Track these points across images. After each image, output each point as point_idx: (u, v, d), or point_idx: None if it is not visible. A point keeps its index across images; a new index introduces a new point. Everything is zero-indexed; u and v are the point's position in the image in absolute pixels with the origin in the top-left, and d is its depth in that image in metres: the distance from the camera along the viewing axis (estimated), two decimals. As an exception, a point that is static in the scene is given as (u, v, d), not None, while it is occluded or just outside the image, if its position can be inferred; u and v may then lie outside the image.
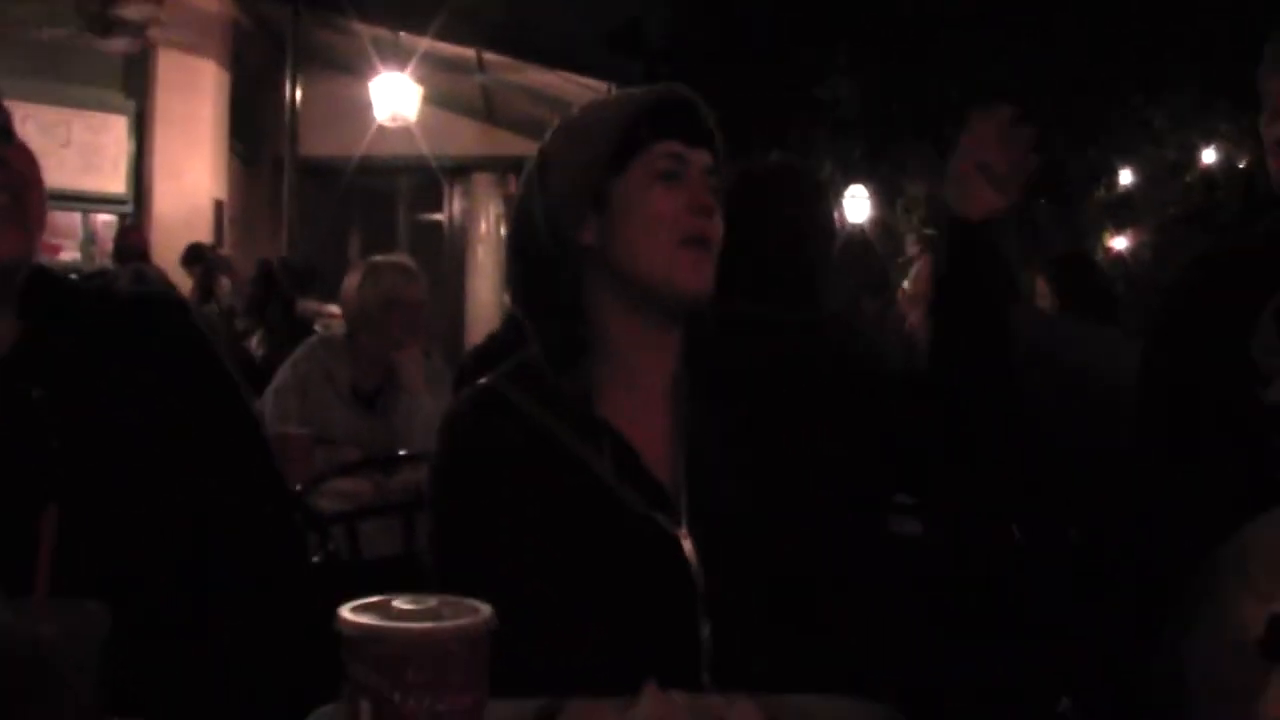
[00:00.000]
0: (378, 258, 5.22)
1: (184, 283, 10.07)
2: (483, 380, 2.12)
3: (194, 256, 10.72)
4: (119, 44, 12.38)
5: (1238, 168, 21.28)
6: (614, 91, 2.17)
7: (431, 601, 1.21)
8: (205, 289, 10.20)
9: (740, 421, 2.04)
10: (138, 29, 12.14)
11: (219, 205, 13.10)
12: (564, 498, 1.97)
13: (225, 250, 12.13)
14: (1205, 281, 2.23)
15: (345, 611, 1.18)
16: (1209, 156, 21.79)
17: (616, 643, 1.85)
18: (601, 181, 2.02)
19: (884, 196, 21.65)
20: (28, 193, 1.92)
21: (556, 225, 2.03)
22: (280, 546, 2.14)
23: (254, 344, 8.76)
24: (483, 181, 17.43)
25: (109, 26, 11.99)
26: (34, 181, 1.95)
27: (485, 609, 1.21)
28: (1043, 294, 5.92)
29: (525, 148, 16.68)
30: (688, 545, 1.93)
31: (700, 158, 2.04)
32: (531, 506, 1.96)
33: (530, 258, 2.08)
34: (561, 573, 1.92)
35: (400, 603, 1.20)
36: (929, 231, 17.70)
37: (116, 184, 12.84)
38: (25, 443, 1.88)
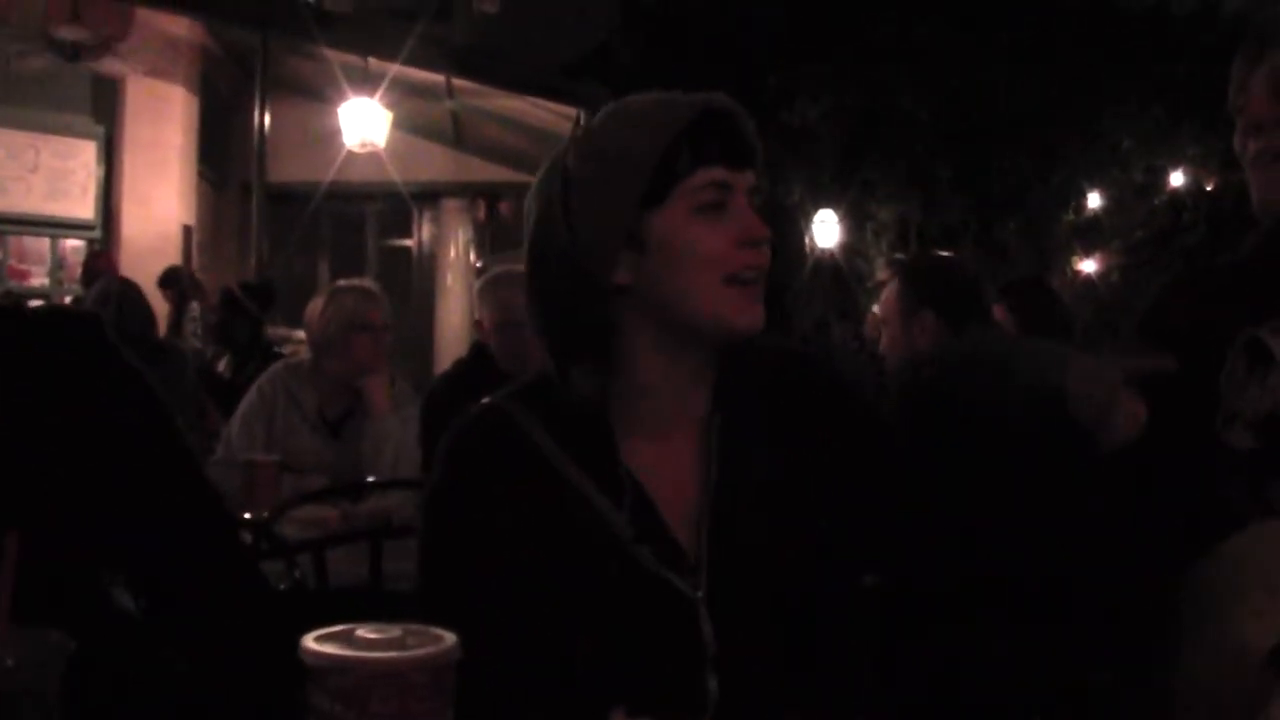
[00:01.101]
0: (340, 282, 5.22)
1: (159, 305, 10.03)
2: (492, 399, 1.98)
3: (170, 279, 10.70)
4: (87, 69, 12.36)
5: (1205, 190, 21.42)
6: (630, 100, 1.92)
7: (396, 631, 1.19)
8: (179, 311, 10.19)
9: (768, 473, 1.92)
10: (106, 55, 12.11)
11: (187, 230, 13.08)
12: (573, 547, 1.85)
13: (196, 274, 12.11)
14: (1173, 312, 2.18)
15: (308, 641, 1.17)
16: (1176, 179, 21.92)
17: (619, 693, 1.74)
18: (637, 218, 1.83)
19: (853, 221, 21.71)
20: None
21: (586, 265, 1.84)
22: (221, 562, 2.03)
23: (221, 367, 8.77)
24: (452, 207, 17.43)
25: (78, 52, 11.96)
26: None
27: (450, 638, 1.19)
28: (1002, 322, 5.97)
29: (495, 173, 16.79)
30: (703, 605, 1.84)
31: (745, 180, 1.86)
32: (534, 550, 1.84)
33: (555, 299, 1.91)
34: (561, 622, 1.83)
35: (364, 632, 1.19)
36: (899, 256, 17.75)
37: (85, 209, 12.80)
38: None
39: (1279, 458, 1.94)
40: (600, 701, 1.68)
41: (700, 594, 1.84)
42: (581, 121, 12.99)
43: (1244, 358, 1.98)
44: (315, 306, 4.99)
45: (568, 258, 1.85)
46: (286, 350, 8.89)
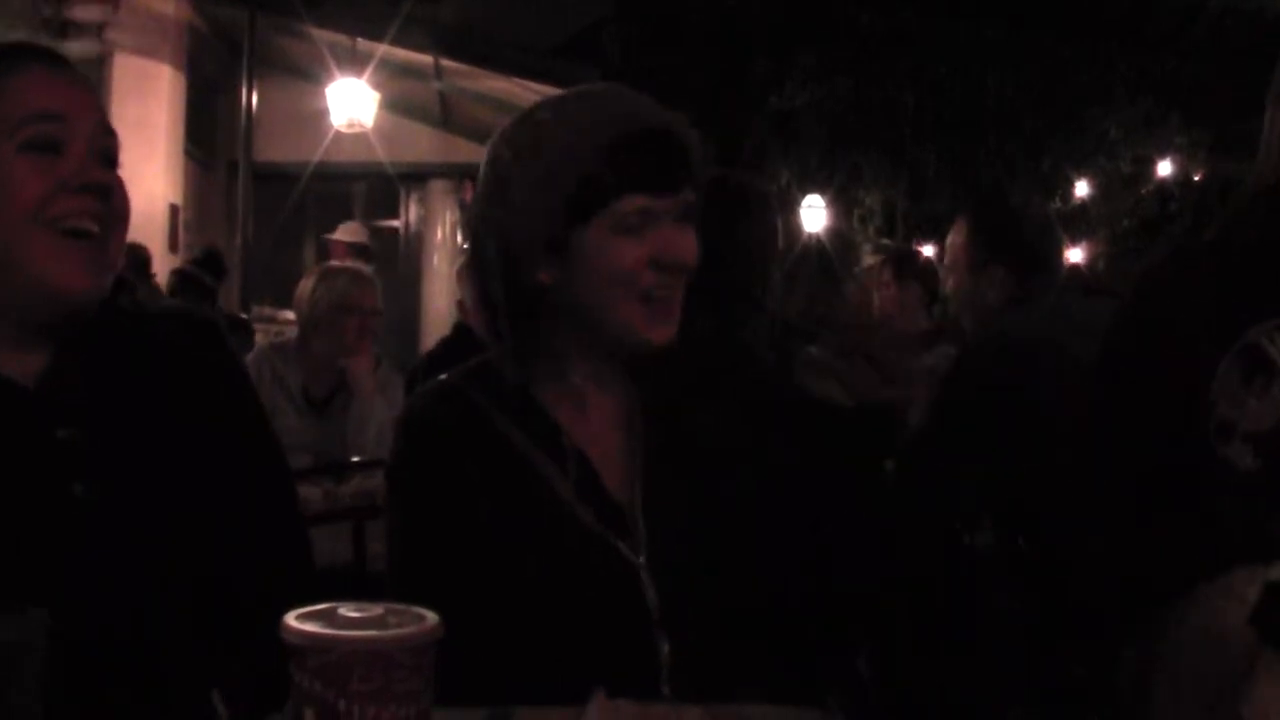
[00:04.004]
0: (332, 262, 5.22)
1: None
2: (444, 376, 2.06)
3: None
4: (74, 47, 12.31)
5: (1192, 180, 21.43)
6: (576, 95, 1.97)
7: (378, 610, 1.20)
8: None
9: (694, 443, 2.00)
10: (93, 32, 12.06)
11: (174, 210, 13.02)
12: (522, 509, 1.92)
13: (181, 255, 12.08)
14: (1155, 319, 2.04)
15: (290, 619, 1.17)
16: (1164, 169, 21.93)
17: (574, 656, 1.82)
18: (561, 230, 1.88)
19: (841, 207, 21.69)
20: (118, 229, 1.83)
21: (512, 264, 1.92)
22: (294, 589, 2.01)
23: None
24: (439, 188, 17.37)
25: (64, 29, 11.91)
26: (125, 218, 1.85)
27: (431, 617, 1.20)
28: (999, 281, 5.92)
29: (482, 155, 16.60)
30: (645, 570, 1.90)
31: (672, 204, 1.89)
32: (487, 513, 1.91)
33: (485, 285, 1.98)
34: (515, 584, 1.88)
35: (346, 611, 1.19)
36: (885, 241, 17.77)
37: (71, 188, 12.71)
38: (46, 487, 1.75)
39: None
40: (555, 664, 1.76)
41: (641, 559, 1.90)
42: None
43: (1239, 365, 1.86)
44: (306, 286, 5.00)
45: (496, 254, 1.93)
46: (271, 331, 8.88)
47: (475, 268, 2.01)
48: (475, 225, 2.00)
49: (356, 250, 9.60)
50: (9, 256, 1.73)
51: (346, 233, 10.64)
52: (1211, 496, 1.88)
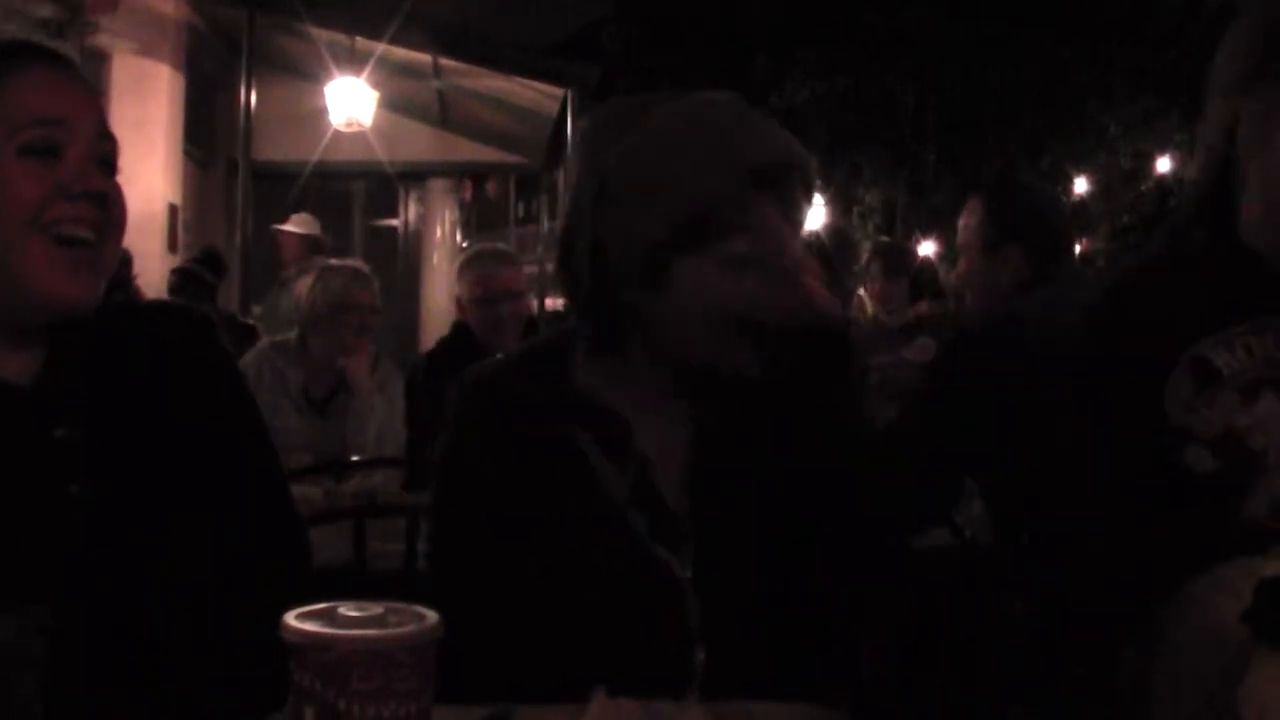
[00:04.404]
0: (331, 261, 5.22)
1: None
2: (502, 357, 2.02)
3: None
4: (73, 46, 12.31)
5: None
6: (699, 115, 1.83)
7: (378, 609, 1.19)
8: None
9: (752, 464, 1.93)
10: (92, 32, 12.05)
11: (173, 209, 13.02)
12: (572, 506, 1.88)
13: (180, 255, 12.08)
14: (1116, 325, 2.05)
15: (290, 618, 1.17)
16: (1163, 165, 21.96)
17: (606, 661, 1.74)
18: (665, 255, 1.80)
19: (840, 203, 21.72)
20: (114, 236, 1.81)
21: (604, 275, 1.85)
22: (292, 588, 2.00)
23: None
24: (438, 187, 17.37)
25: (63, 29, 11.90)
26: (122, 225, 1.83)
27: (432, 616, 1.20)
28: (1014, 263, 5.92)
29: (481, 153, 16.75)
30: (690, 585, 1.87)
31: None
32: (535, 506, 1.87)
33: (575, 287, 1.92)
34: (554, 582, 1.85)
35: (346, 609, 1.19)
36: (884, 239, 17.77)
37: (70, 187, 12.70)
38: (44, 488, 1.74)
39: (1244, 476, 1.88)
40: (586, 667, 1.67)
41: (688, 573, 1.86)
42: (570, 102, 12.97)
43: (1189, 377, 1.90)
44: (304, 284, 5.00)
45: (587, 262, 1.86)
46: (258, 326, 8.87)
47: (562, 268, 1.94)
48: (570, 219, 1.90)
49: (309, 244, 9.52)
50: (2, 261, 1.72)
51: (297, 224, 10.56)
52: (1175, 497, 1.90)
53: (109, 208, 1.79)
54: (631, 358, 1.92)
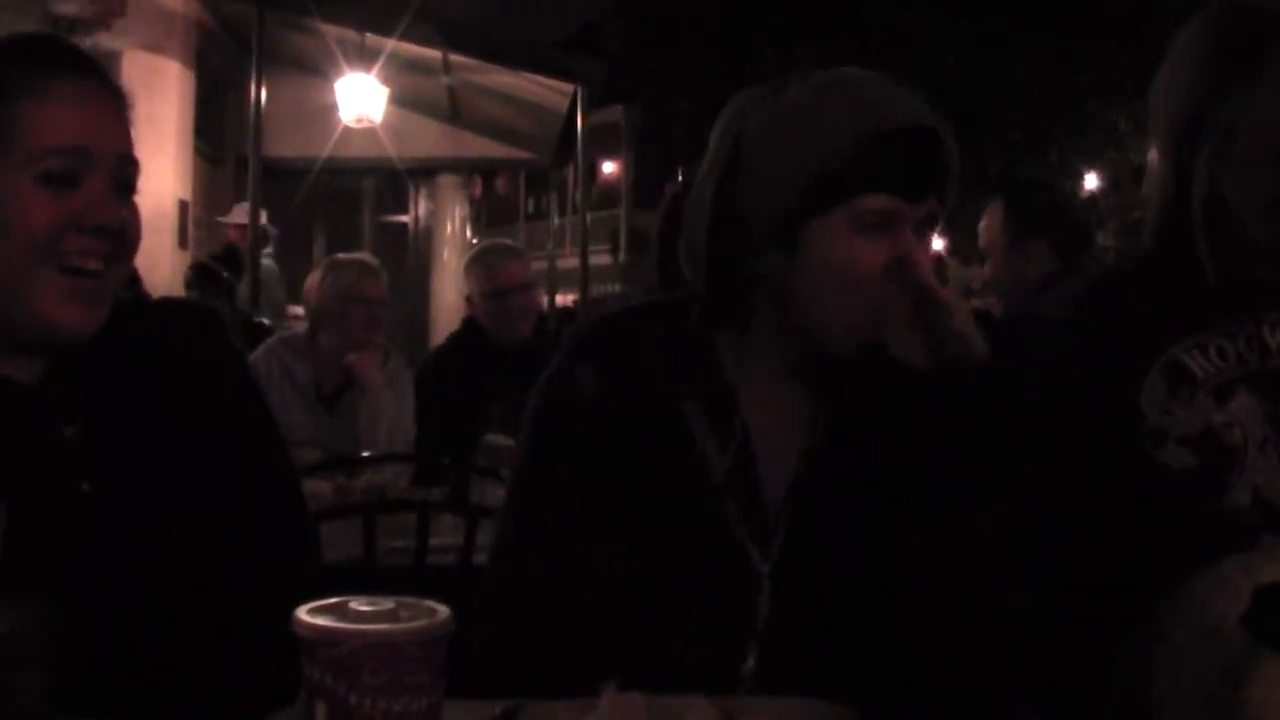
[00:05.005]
0: (340, 255, 5.23)
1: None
2: (625, 304, 1.98)
3: None
4: (83, 44, 12.30)
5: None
6: (837, 81, 1.83)
7: (388, 603, 1.19)
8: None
9: (862, 464, 1.85)
10: (102, 29, 12.07)
11: (184, 206, 13.03)
12: (665, 479, 1.84)
13: (191, 251, 12.11)
14: (1094, 327, 2.05)
15: (301, 613, 1.17)
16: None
17: (660, 645, 1.78)
18: (796, 218, 1.78)
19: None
20: (124, 262, 1.79)
21: (734, 242, 1.83)
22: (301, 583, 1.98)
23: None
24: (448, 183, 17.41)
25: (74, 27, 11.91)
26: (134, 249, 1.81)
27: (443, 610, 1.20)
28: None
29: (491, 149, 16.75)
30: (768, 581, 1.84)
31: (918, 211, 1.79)
32: (628, 466, 1.83)
33: (701, 255, 1.88)
34: (631, 560, 1.82)
35: (357, 604, 1.19)
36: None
37: (80, 184, 12.69)
38: (53, 486, 1.72)
39: (1224, 470, 1.90)
40: (640, 648, 1.71)
41: (767, 569, 1.83)
42: (579, 98, 12.97)
43: (1164, 379, 1.92)
44: (314, 279, 5.01)
45: (723, 222, 1.84)
46: (283, 325, 8.87)
47: (689, 236, 1.91)
48: (702, 188, 1.88)
49: (258, 235, 9.49)
50: (7, 283, 1.69)
51: (240, 214, 10.48)
52: (1151, 495, 1.92)
53: (123, 237, 1.76)
54: (755, 333, 1.89)
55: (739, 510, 1.84)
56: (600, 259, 23.32)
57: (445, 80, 14.37)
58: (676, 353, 1.88)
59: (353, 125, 12.99)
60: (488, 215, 17.86)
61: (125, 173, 1.78)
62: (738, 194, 1.83)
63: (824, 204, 1.77)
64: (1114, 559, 1.91)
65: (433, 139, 16.19)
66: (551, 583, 1.84)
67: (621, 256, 27.89)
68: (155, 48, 12.56)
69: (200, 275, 9.18)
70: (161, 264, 10.82)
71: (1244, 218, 1.95)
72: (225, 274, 9.22)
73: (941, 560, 1.80)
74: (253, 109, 11.81)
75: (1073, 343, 2.06)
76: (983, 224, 4.32)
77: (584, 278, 14.28)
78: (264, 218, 9.93)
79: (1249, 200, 1.94)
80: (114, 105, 1.81)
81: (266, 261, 11.07)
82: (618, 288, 24.44)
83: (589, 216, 15.16)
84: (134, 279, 8.11)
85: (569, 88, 13.29)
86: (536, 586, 1.86)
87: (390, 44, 12.10)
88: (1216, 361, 1.94)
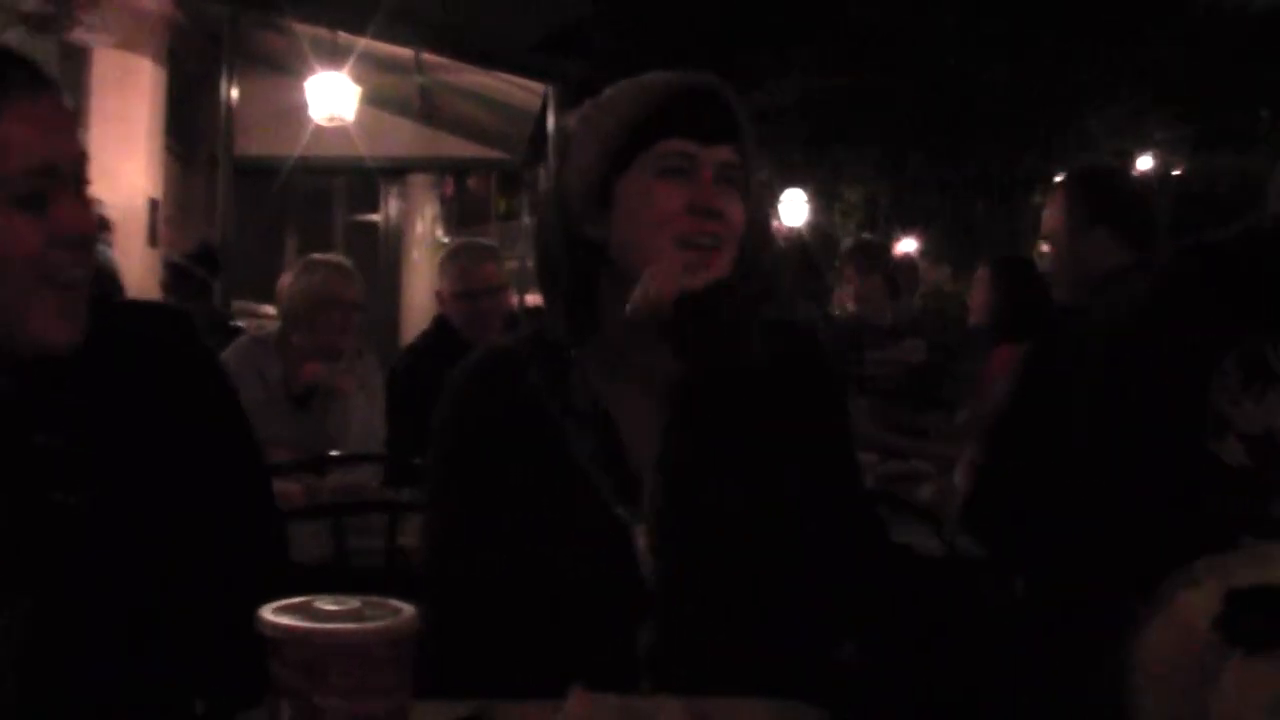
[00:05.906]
0: (314, 255, 5.20)
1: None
2: (504, 339, 2.15)
3: None
4: (55, 41, 12.26)
5: (1172, 175, 21.51)
6: (640, 77, 2.03)
7: (354, 603, 1.19)
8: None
9: (725, 420, 1.98)
10: (74, 26, 12.01)
11: (154, 204, 12.97)
12: (541, 471, 1.97)
13: (160, 250, 12.04)
14: (1159, 322, 2.08)
15: (266, 612, 1.17)
16: (1145, 163, 22.00)
17: (559, 637, 1.86)
18: (607, 178, 1.96)
19: (822, 200, 21.73)
20: (93, 263, 1.79)
21: (566, 218, 2.00)
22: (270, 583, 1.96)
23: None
24: (419, 182, 17.38)
25: (45, 23, 11.86)
26: (95, 247, 1.82)
27: (408, 610, 1.19)
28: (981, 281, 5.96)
29: (463, 149, 16.73)
30: (642, 542, 1.92)
31: (714, 155, 1.94)
32: (511, 474, 1.96)
33: (544, 244, 2.05)
34: (525, 550, 1.91)
35: (323, 604, 1.19)
36: (866, 236, 17.80)
37: (50, 181, 12.62)
38: (25, 495, 1.71)
39: (1275, 476, 1.90)
40: (540, 645, 1.83)
41: (640, 525, 1.93)
42: (550, 98, 12.98)
43: (1240, 370, 1.92)
44: (287, 279, 4.99)
45: (554, 210, 2.01)
46: (248, 325, 8.81)
47: (537, 241, 2.08)
48: (545, 189, 2.09)
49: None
50: (3, 305, 1.69)
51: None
52: (1199, 489, 1.93)
53: (94, 238, 1.79)
54: (608, 310, 1.99)
55: (605, 480, 1.96)
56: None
57: (418, 79, 14.36)
58: (540, 363, 2.03)
59: (324, 124, 12.95)
60: (459, 215, 17.78)
61: (83, 173, 1.79)
62: (563, 178, 2.02)
63: (629, 158, 1.94)
64: (1145, 547, 1.92)
65: (405, 138, 16.16)
66: (476, 577, 1.95)
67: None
68: (127, 45, 12.51)
69: (176, 275, 9.11)
70: (132, 262, 10.77)
71: None
72: (201, 273, 9.15)
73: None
74: (224, 107, 11.78)
75: (1144, 316, 2.10)
76: (1045, 211, 4.22)
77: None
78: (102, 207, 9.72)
79: None
80: (65, 112, 1.84)
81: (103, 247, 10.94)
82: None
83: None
84: (115, 283, 8.10)
85: (541, 88, 13.28)
86: (463, 582, 1.96)
87: (362, 43, 12.08)
88: None
